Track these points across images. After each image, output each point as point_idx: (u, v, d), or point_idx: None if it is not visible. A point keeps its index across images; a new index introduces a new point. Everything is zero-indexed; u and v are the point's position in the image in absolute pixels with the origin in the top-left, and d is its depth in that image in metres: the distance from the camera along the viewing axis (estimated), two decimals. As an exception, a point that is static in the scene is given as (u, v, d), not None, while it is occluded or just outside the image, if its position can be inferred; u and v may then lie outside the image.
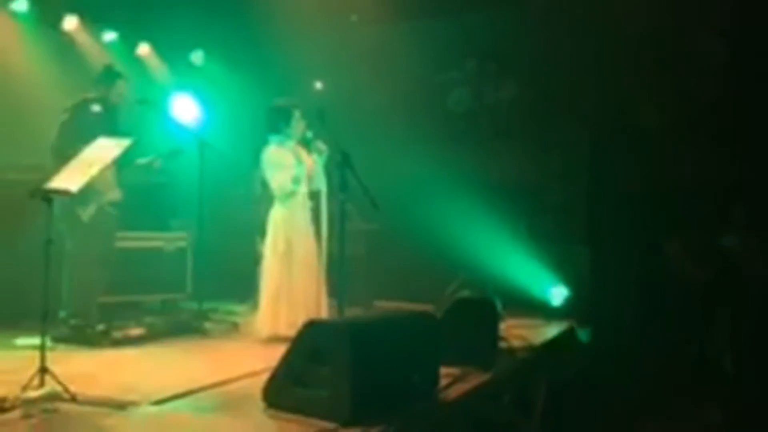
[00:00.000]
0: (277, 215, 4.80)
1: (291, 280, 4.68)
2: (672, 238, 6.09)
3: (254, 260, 6.12)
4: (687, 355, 5.64)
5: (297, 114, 4.82)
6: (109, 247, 4.80)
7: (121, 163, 4.44)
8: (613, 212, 6.51)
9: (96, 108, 4.71)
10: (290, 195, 4.77)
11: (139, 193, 5.84)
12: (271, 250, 4.76)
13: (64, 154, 4.26)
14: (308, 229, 4.84)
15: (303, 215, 4.83)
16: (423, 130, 7.14)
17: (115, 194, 4.72)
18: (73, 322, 4.56)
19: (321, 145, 4.83)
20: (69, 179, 3.36)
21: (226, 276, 6.30)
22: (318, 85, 7.91)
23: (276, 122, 4.83)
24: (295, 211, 4.79)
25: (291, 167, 4.76)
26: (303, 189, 4.85)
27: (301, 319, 3.52)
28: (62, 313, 4.51)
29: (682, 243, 6.05)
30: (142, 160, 4.89)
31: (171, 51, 7.02)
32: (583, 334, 5.65)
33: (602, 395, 5.18)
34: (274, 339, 4.52)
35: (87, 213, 4.48)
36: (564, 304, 5.99)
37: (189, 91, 6.75)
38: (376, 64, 7.42)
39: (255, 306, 5.68)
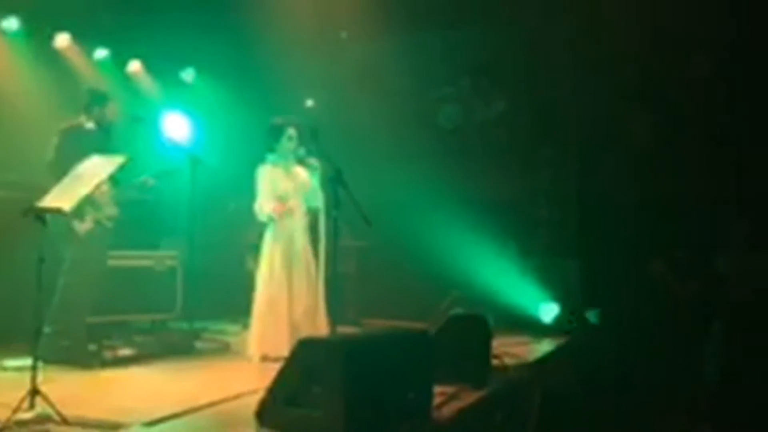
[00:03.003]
0: (272, 233, 4.78)
1: (285, 300, 4.65)
2: (656, 257, 6.13)
3: (246, 279, 6.11)
4: (678, 371, 5.65)
5: (289, 131, 4.81)
6: (100, 265, 4.76)
7: (115, 181, 4.44)
8: (603, 226, 6.56)
9: (90, 126, 4.73)
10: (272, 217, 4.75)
11: (129, 211, 5.81)
12: (265, 268, 4.73)
13: (60, 172, 4.26)
14: (305, 248, 4.81)
15: (300, 233, 4.81)
16: (413, 146, 7.19)
17: (112, 210, 4.71)
18: (63, 342, 4.51)
19: (312, 161, 4.82)
20: (62, 198, 3.35)
21: (217, 295, 6.27)
22: (309, 102, 7.94)
23: (269, 140, 4.84)
24: (291, 229, 4.77)
25: (283, 191, 4.75)
26: (300, 206, 4.83)
27: (296, 339, 3.50)
28: (47, 329, 4.43)
29: (666, 261, 6.09)
30: (135, 181, 4.88)
31: (162, 68, 7.03)
32: (592, 315, 5.67)
33: (595, 410, 5.18)
34: (264, 359, 4.50)
35: (83, 227, 4.46)
36: (555, 321, 6.00)
37: (180, 108, 6.76)
38: (367, 80, 7.47)
39: (246, 325, 5.66)
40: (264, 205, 4.71)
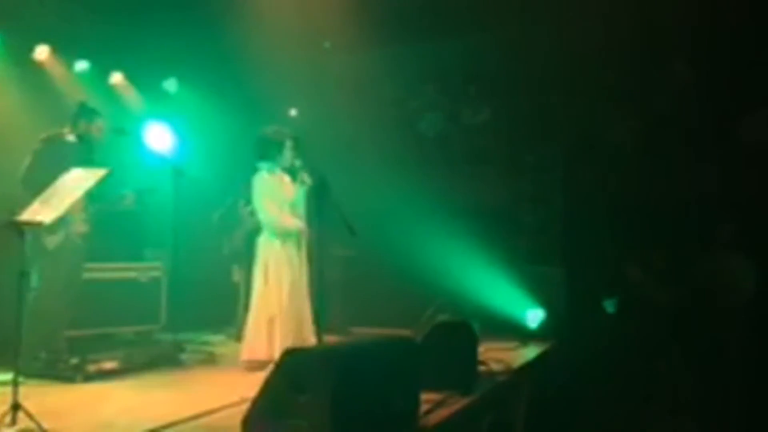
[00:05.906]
0: (267, 242, 4.78)
1: (283, 307, 4.65)
2: (632, 263, 6.19)
3: (231, 289, 6.08)
4: (658, 372, 5.69)
5: (288, 143, 4.86)
6: (73, 278, 4.71)
7: (95, 197, 4.41)
8: (588, 232, 6.60)
9: (71, 139, 4.73)
10: (284, 229, 4.77)
11: (112, 223, 5.79)
12: (262, 277, 4.73)
13: (36, 185, 4.21)
14: (298, 255, 4.84)
15: (296, 241, 4.83)
16: (397, 155, 7.19)
17: (82, 226, 4.68)
18: (44, 356, 4.45)
19: (306, 178, 4.86)
20: (42, 211, 3.32)
21: (201, 306, 6.23)
22: (293, 111, 7.94)
23: (268, 150, 4.85)
24: (285, 237, 4.79)
25: (283, 198, 4.78)
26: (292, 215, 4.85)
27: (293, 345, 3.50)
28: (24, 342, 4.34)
29: (642, 266, 6.14)
30: (114, 196, 4.86)
31: (144, 79, 6.99)
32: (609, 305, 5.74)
33: (580, 413, 5.21)
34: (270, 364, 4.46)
35: (53, 242, 4.41)
36: (540, 327, 6.02)
37: (163, 119, 6.73)
38: (350, 90, 7.48)
39: (234, 335, 5.64)
40: (286, 220, 4.76)
